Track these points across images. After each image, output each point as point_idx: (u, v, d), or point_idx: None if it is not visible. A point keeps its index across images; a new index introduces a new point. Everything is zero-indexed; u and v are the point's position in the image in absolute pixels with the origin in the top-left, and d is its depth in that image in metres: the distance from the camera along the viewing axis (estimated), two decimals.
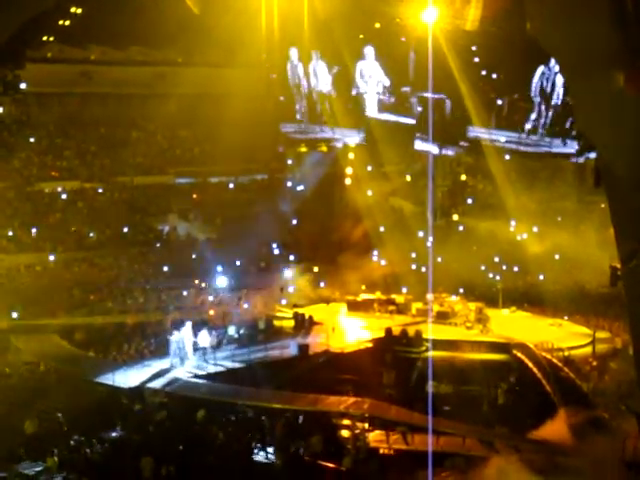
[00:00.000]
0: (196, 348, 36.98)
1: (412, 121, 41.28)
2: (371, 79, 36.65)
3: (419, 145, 38.74)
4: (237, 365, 36.84)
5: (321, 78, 37.35)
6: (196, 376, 35.08)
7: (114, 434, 29.68)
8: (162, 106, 55.97)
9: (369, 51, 37.20)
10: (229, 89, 52.99)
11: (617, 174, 15.88)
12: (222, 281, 42.83)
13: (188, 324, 37.06)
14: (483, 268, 52.99)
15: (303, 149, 58.09)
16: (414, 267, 51.30)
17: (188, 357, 36.42)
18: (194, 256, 54.00)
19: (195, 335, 36.97)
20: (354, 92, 43.56)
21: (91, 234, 54.44)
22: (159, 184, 60.42)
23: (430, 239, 45.55)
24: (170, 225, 57.78)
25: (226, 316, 43.09)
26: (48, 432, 29.40)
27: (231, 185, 62.51)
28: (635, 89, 14.98)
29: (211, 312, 44.23)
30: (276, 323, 43.54)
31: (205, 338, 37.20)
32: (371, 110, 41.81)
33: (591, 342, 39.62)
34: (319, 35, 38.50)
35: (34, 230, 52.47)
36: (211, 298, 47.98)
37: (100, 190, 58.62)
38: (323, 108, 38.48)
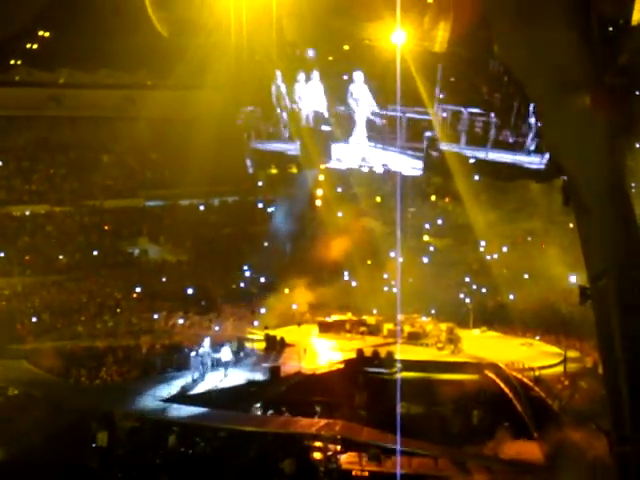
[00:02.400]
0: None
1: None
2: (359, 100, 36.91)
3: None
4: (208, 388, 36.61)
5: (289, 96, 37.49)
6: (167, 400, 34.83)
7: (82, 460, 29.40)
8: (132, 129, 55.80)
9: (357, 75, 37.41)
10: (198, 111, 52.85)
11: (585, 194, 15.97)
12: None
13: (207, 340, 38.68)
14: (454, 289, 53.14)
15: (273, 171, 57.94)
16: (385, 288, 51.32)
17: (209, 371, 37.79)
18: (164, 279, 53.75)
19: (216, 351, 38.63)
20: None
21: (60, 257, 54.03)
22: (129, 207, 60.16)
23: (400, 260, 45.67)
24: (140, 248, 57.51)
25: (197, 339, 42.86)
26: (17, 458, 29.03)
27: (202, 207, 62.36)
28: (601, 110, 15.10)
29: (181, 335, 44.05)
30: (248, 345, 43.34)
31: (227, 353, 38.57)
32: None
33: (562, 361, 39.74)
34: (288, 56, 38.58)
35: (2, 254, 51.95)
36: (182, 321, 47.78)
37: (70, 214, 58.21)
38: (292, 127, 38.55)
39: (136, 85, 62.70)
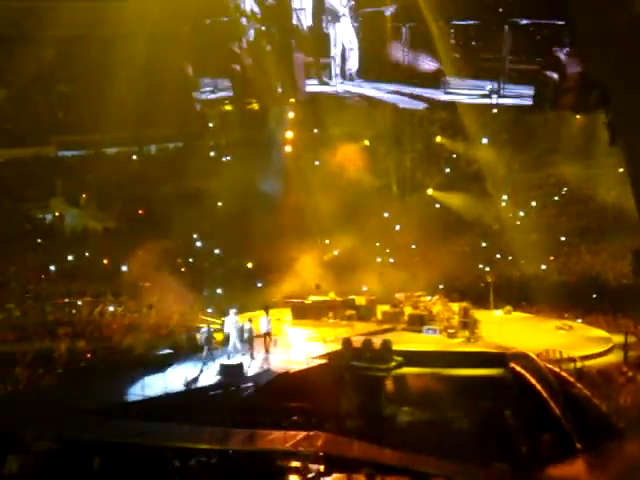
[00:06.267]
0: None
1: None
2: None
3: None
4: (149, 394, 36.57)
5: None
6: (93, 411, 34.77)
7: None
8: (36, 52, 55.16)
9: None
10: (125, 28, 52.27)
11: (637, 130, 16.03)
12: None
13: (232, 311, 40.18)
14: (468, 257, 53.30)
15: (228, 107, 57.78)
16: (379, 259, 51.38)
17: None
18: (87, 253, 53.58)
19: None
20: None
21: None
22: (37, 158, 59.72)
23: (398, 222, 45.79)
24: (54, 213, 57.26)
25: (133, 332, 42.86)
26: None
27: (134, 157, 62.08)
28: None
29: (113, 327, 44.01)
30: (200, 337, 43.34)
31: (264, 324, 40.59)
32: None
33: (611, 349, 40.08)
34: None
35: None
36: (111, 308, 47.65)
37: None
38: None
39: None
